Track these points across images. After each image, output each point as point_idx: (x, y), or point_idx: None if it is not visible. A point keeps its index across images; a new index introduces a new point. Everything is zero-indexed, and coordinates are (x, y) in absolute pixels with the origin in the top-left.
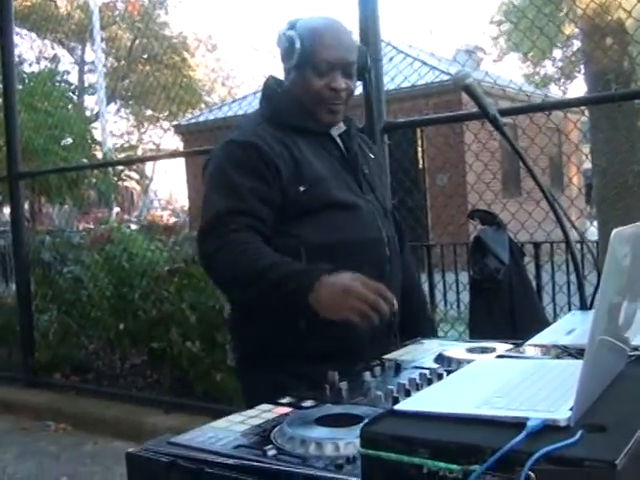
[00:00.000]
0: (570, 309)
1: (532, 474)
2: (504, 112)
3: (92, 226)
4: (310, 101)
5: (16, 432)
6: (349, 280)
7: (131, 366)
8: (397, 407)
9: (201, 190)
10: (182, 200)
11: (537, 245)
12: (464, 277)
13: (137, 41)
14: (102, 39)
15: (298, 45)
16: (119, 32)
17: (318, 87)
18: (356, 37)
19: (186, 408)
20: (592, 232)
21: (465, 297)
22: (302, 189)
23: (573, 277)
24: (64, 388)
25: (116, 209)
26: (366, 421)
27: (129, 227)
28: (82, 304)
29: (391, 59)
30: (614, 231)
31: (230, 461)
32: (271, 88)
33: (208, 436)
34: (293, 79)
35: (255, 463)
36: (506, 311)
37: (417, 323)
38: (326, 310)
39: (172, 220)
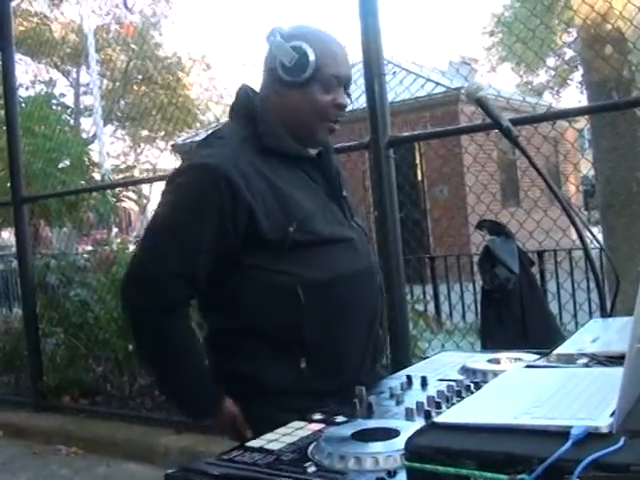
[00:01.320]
0: (576, 316)
1: None
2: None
3: (91, 247)
4: (313, 118)
5: (27, 457)
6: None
7: (140, 387)
8: (438, 420)
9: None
10: None
11: (540, 254)
12: (464, 287)
13: (132, 62)
14: (97, 61)
15: (312, 57)
16: (114, 54)
17: (324, 103)
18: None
19: (197, 428)
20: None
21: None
22: (292, 229)
23: (579, 285)
24: (74, 411)
25: (114, 230)
26: (409, 435)
27: (127, 248)
28: (89, 326)
29: (394, 73)
30: None
31: (272, 479)
32: (251, 102)
33: (245, 454)
34: (294, 95)
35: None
36: (517, 320)
37: None
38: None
39: None
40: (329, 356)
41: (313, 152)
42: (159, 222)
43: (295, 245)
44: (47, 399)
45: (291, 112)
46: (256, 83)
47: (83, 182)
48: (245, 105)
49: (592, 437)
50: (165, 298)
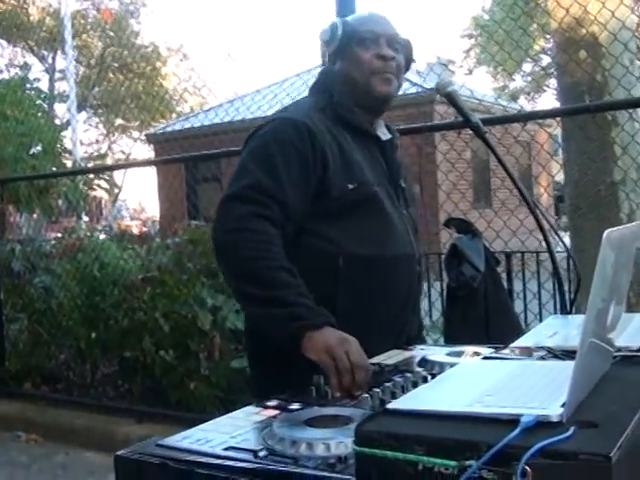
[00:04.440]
0: (541, 316)
1: (528, 468)
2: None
3: (60, 235)
4: (362, 75)
5: None
6: (337, 343)
7: (102, 376)
8: (390, 406)
9: (174, 200)
10: (151, 211)
11: (508, 255)
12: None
13: (108, 49)
14: (73, 47)
15: (340, 26)
16: (90, 41)
17: (367, 57)
18: None
19: (158, 417)
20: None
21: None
22: (350, 187)
23: (544, 286)
24: (34, 398)
25: (84, 218)
26: (360, 420)
27: (97, 237)
28: (53, 313)
29: None
30: (605, 234)
31: (221, 462)
32: (328, 79)
33: (196, 438)
34: (340, 63)
35: (248, 464)
36: (481, 318)
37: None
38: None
39: (142, 230)
40: (357, 329)
41: (384, 137)
42: (245, 163)
43: (348, 207)
44: (8, 385)
45: (346, 78)
46: (237, 75)
47: (54, 168)
48: (323, 82)
49: (542, 425)
50: (266, 208)
